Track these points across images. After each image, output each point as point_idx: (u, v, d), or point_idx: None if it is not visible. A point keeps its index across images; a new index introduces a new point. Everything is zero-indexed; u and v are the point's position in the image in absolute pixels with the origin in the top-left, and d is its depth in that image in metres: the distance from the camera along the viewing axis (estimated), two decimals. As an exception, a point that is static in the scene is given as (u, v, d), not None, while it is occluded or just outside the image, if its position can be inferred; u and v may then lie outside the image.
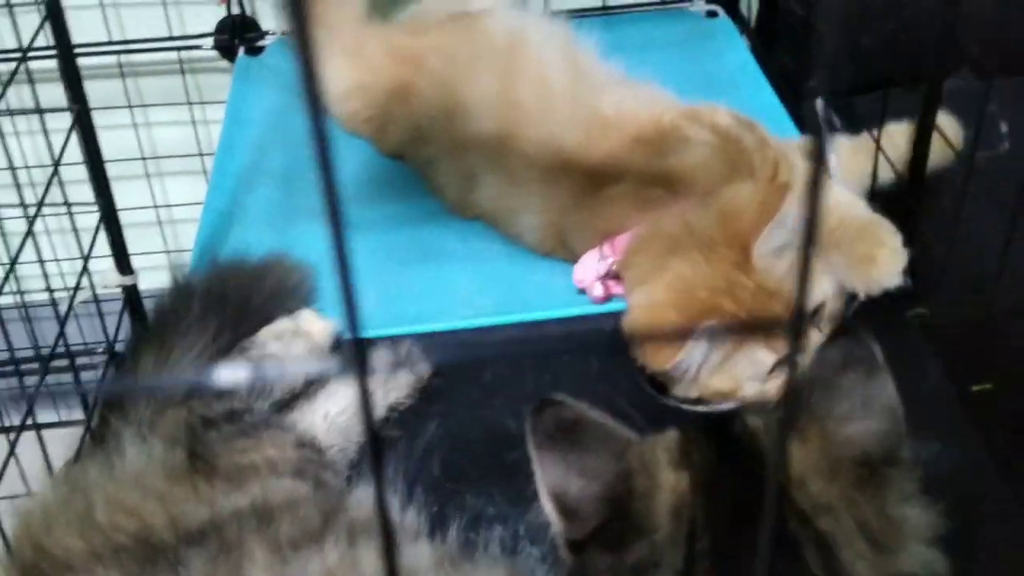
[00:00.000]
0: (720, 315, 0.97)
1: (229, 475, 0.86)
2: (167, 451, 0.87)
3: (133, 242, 1.46)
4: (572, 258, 1.18)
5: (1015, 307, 1.02)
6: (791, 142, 1.25)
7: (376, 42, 1.43)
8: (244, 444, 0.90)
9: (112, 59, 1.73)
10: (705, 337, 0.96)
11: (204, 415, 0.94)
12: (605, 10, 1.70)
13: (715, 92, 1.37)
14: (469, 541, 0.86)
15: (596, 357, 1.09)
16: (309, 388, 1.03)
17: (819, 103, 1.24)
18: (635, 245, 1.08)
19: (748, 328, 0.98)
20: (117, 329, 1.34)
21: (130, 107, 1.76)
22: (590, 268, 1.14)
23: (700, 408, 1.01)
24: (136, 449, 0.87)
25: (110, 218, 1.32)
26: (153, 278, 1.86)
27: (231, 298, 1.09)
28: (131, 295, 1.40)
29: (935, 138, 1.14)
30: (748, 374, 0.99)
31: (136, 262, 1.47)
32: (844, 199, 1.12)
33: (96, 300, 1.26)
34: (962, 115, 1.20)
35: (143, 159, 1.79)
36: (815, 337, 0.98)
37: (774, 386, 1.00)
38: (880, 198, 1.16)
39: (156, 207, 1.84)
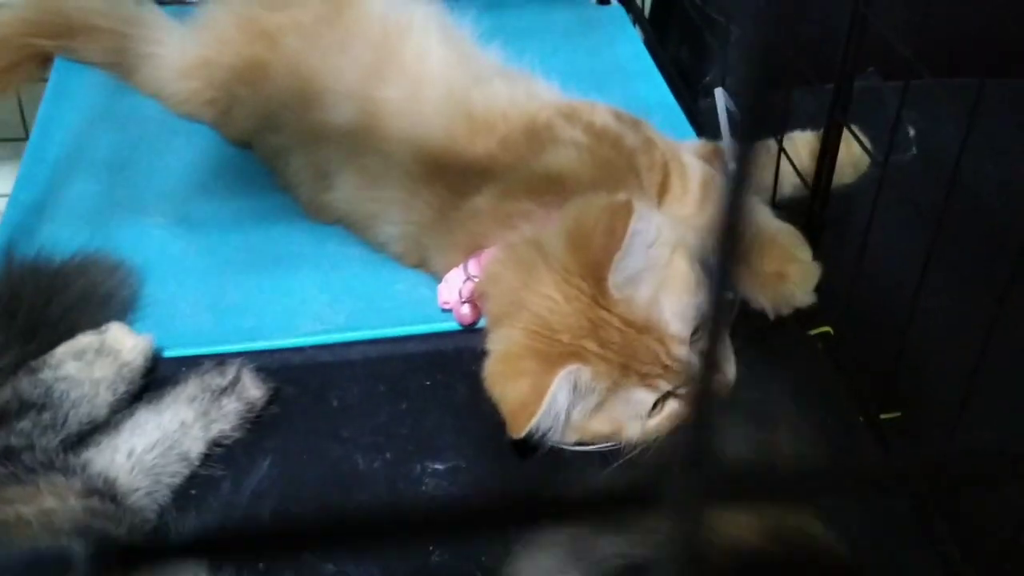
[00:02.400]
0: (584, 360, 0.83)
1: (-11, 534, 0.68)
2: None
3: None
4: (436, 277, 1.03)
5: (927, 327, 0.91)
6: (686, 143, 1.13)
7: (225, 13, 1.26)
8: (16, 492, 0.72)
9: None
10: (564, 389, 0.82)
11: (-29, 454, 0.76)
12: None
13: (604, 86, 1.25)
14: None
15: (463, 382, 0.94)
16: (113, 419, 0.85)
17: (719, 92, 1.11)
18: (491, 271, 0.94)
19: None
20: None
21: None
22: (454, 288, 0.99)
23: (581, 449, 0.87)
24: None
25: None
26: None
27: (24, 305, 0.91)
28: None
29: (840, 154, 1.03)
30: (629, 415, 0.86)
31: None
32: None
33: None
34: (867, 118, 1.09)
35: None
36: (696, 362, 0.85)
37: (657, 423, 0.87)
38: (782, 210, 1.04)
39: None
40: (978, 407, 0.81)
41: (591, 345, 0.84)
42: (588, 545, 0.72)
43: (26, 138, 1.55)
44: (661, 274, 0.86)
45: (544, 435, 0.85)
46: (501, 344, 0.88)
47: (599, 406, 0.86)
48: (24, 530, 0.68)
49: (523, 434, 0.83)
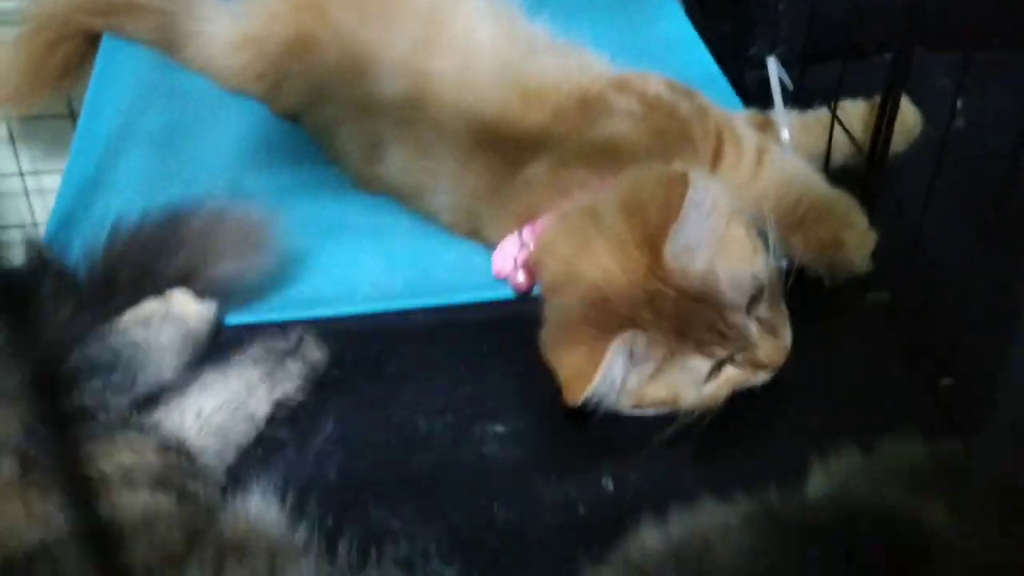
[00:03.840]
0: (640, 328, 0.84)
1: (71, 488, 0.69)
2: (-6, 459, 0.70)
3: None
4: (490, 246, 1.04)
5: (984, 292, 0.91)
6: (737, 114, 1.13)
7: (272, -13, 1.27)
8: (93, 449, 0.73)
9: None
10: (620, 357, 0.83)
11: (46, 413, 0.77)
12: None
13: (648, 60, 1.24)
14: (368, 558, 0.71)
15: (521, 348, 0.95)
16: (179, 380, 0.87)
17: (771, 62, 1.12)
18: (545, 240, 0.94)
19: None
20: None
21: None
22: (509, 256, 1.00)
23: (637, 413, 0.88)
24: (-47, 456, 0.70)
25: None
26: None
27: (88, 275, 0.92)
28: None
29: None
30: (685, 381, 0.86)
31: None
32: (802, 173, 1.00)
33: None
34: (912, 90, 1.10)
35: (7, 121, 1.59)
36: (755, 329, 0.86)
37: (714, 388, 0.87)
38: (833, 179, 1.05)
39: (22, 175, 1.64)
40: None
41: (647, 314, 0.85)
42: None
43: (69, 116, 1.58)
44: (717, 243, 0.87)
45: (600, 402, 0.86)
46: (557, 313, 0.89)
47: (655, 373, 0.87)
48: (106, 483, 0.70)
49: (579, 402, 0.83)
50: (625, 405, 0.88)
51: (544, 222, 0.96)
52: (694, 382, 0.87)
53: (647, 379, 0.87)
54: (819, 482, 0.59)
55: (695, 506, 0.63)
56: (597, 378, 0.82)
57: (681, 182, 0.83)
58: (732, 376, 0.88)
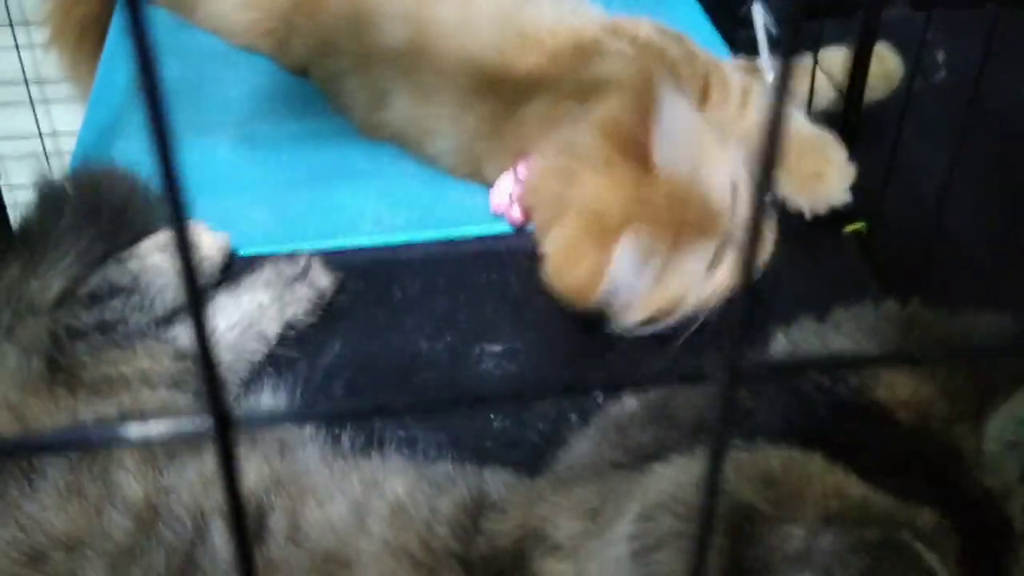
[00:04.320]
0: (638, 231, 0.89)
1: (94, 386, 0.74)
2: (22, 360, 0.76)
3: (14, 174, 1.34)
4: (488, 185, 1.09)
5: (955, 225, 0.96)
6: (724, 60, 1.18)
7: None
8: (115, 355, 0.79)
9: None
10: (625, 257, 0.88)
11: (70, 325, 0.83)
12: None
13: (643, 15, 1.29)
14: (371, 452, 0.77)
15: (517, 278, 1.00)
16: (195, 302, 0.92)
17: (757, 8, 1.16)
18: (531, 183, 1.00)
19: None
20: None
21: (11, 25, 1.61)
22: (505, 192, 1.05)
23: (647, 329, 0.92)
24: (-16, 357, 0.75)
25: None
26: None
27: (108, 206, 0.97)
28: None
29: (873, 69, 1.09)
30: (684, 284, 0.91)
31: (19, 196, 1.34)
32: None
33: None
34: (900, 45, 1.15)
35: (26, 83, 1.64)
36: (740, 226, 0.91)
37: (712, 289, 0.92)
38: (816, 120, 1.09)
39: (41, 136, 1.69)
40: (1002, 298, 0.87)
41: (642, 218, 0.89)
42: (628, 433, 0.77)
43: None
44: (698, 151, 0.92)
45: (610, 308, 0.90)
46: (556, 242, 0.93)
47: (657, 278, 0.91)
48: (126, 383, 0.75)
49: (596, 298, 0.88)
50: (633, 319, 0.92)
51: (531, 161, 1.01)
52: (693, 283, 0.91)
53: (651, 286, 0.91)
54: (779, 345, 0.64)
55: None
56: (607, 274, 0.86)
57: (650, 85, 0.89)
58: (727, 272, 0.92)
